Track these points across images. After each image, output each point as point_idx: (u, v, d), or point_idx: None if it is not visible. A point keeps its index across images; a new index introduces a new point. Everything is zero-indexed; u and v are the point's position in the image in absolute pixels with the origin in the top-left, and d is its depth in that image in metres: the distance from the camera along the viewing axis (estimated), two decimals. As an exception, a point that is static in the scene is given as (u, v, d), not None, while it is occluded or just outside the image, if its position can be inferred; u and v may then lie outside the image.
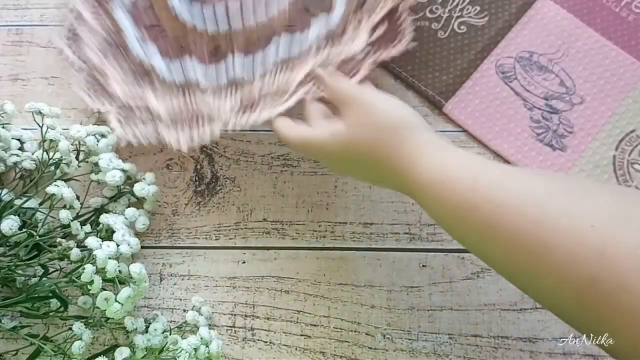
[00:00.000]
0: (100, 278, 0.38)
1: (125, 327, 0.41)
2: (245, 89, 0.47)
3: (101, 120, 0.50)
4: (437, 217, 0.34)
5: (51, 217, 0.42)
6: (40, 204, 0.44)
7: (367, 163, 0.36)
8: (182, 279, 0.46)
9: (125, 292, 0.38)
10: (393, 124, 0.35)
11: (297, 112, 0.43)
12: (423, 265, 0.46)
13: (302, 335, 0.44)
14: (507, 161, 0.48)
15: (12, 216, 0.40)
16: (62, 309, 0.42)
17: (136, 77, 0.50)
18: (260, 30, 0.48)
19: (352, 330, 0.44)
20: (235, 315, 0.45)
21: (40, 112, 0.44)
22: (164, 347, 0.42)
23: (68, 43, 0.52)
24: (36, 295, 0.40)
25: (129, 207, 0.45)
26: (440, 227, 0.35)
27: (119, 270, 0.39)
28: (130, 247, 0.41)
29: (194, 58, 0.50)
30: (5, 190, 0.43)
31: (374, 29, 0.46)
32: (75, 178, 0.47)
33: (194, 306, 0.45)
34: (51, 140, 0.43)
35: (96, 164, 0.45)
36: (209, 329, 0.44)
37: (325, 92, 0.40)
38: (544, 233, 0.27)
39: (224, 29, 0.49)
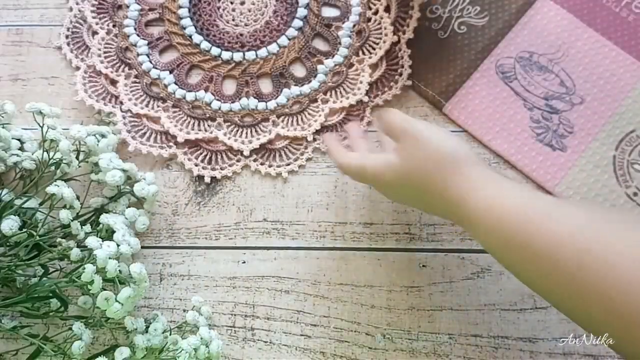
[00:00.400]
0: (101, 278, 0.38)
1: (125, 327, 0.41)
2: (258, 114, 0.50)
3: (102, 120, 0.50)
4: (490, 248, 0.35)
5: (51, 217, 0.42)
6: (40, 204, 0.44)
7: (419, 193, 0.38)
8: (182, 279, 0.46)
9: (125, 292, 0.38)
10: (443, 157, 0.37)
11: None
12: (423, 265, 0.46)
13: (302, 335, 0.44)
14: (507, 161, 0.48)
15: (12, 216, 0.40)
16: (62, 309, 0.42)
17: (143, 87, 0.51)
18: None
19: (352, 330, 0.44)
20: (235, 315, 0.45)
21: (40, 112, 0.44)
22: (164, 347, 0.42)
23: (68, 42, 0.53)
24: (36, 295, 0.40)
25: (129, 207, 0.45)
26: (489, 253, 0.36)
27: (119, 270, 0.39)
28: (130, 247, 0.41)
29: (205, 78, 0.51)
30: (5, 190, 0.43)
31: (374, 66, 0.51)
32: (75, 178, 0.47)
33: (194, 306, 0.45)
34: (51, 140, 0.43)
35: (96, 164, 0.45)
36: (209, 329, 0.44)
37: (380, 124, 0.42)
38: (581, 259, 0.29)
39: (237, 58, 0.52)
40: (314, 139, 0.49)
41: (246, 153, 0.49)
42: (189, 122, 0.50)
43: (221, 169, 0.49)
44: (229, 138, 0.49)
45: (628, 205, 0.46)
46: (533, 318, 0.44)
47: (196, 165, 0.49)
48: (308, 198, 0.48)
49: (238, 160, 0.49)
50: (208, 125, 0.50)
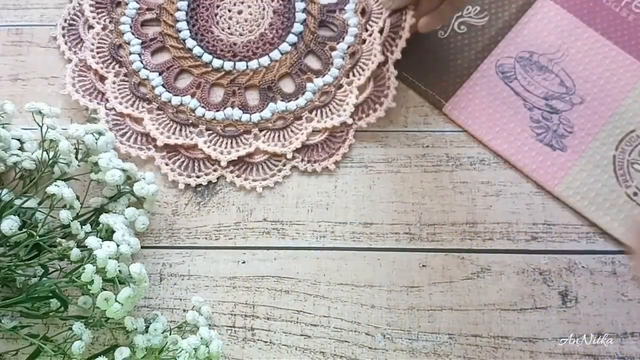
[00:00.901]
0: (100, 278, 0.38)
1: (125, 327, 0.41)
2: (241, 126, 0.50)
3: (90, 117, 0.50)
4: None
5: (51, 217, 0.42)
6: (40, 203, 0.44)
7: None
8: (182, 279, 0.46)
9: (125, 292, 0.38)
10: None
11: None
12: (423, 265, 0.46)
13: (302, 335, 0.44)
14: (507, 161, 0.48)
15: (12, 216, 0.40)
16: (62, 309, 0.42)
17: (131, 87, 0.50)
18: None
19: (352, 330, 0.44)
20: (235, 315, 0.45)
21: (40, 112, 0.44)
22: (164, 347, 0.42)
23: (64, 34, 0.52)
24: (36, 295, 0.40)
25: (129, 207, 0.45)
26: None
27: (119, 270, 0.39)
28: (130, 247, 0.41)
29: (193, 84, 0.51)
30: (5, 190, 0.43)
31: (363, 87, 0.50)
32: (75, 178, 0.47)
33: (194, 306, 0.45)
34: (51, 140, 0.43)
35: (96, 164, 0.45)
36: (209, 329, 0.44)
37: None
38: None
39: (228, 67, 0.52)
40: (293, 157, 0.49)
41: (223, 164, 0.48)
42: (171, 127, 0.49)
43: (197, 176, 0.48)
44: (208, 147, 0.49)
45: (628, 205, 0.46)
46: (533, 318, 0.44)
47: (172, 170, 0.48)
48: (308, 198, 0.48)
49: (215, 170, 0.48)
50: (190, 132, 0.49)
